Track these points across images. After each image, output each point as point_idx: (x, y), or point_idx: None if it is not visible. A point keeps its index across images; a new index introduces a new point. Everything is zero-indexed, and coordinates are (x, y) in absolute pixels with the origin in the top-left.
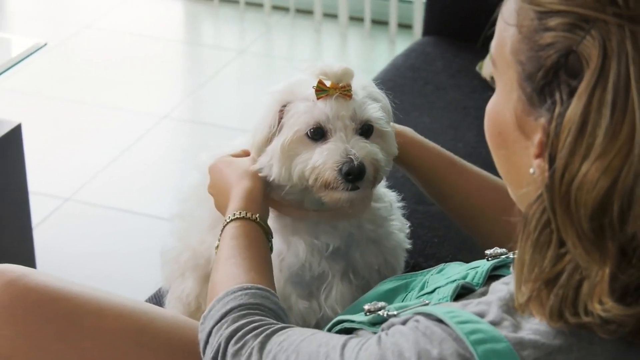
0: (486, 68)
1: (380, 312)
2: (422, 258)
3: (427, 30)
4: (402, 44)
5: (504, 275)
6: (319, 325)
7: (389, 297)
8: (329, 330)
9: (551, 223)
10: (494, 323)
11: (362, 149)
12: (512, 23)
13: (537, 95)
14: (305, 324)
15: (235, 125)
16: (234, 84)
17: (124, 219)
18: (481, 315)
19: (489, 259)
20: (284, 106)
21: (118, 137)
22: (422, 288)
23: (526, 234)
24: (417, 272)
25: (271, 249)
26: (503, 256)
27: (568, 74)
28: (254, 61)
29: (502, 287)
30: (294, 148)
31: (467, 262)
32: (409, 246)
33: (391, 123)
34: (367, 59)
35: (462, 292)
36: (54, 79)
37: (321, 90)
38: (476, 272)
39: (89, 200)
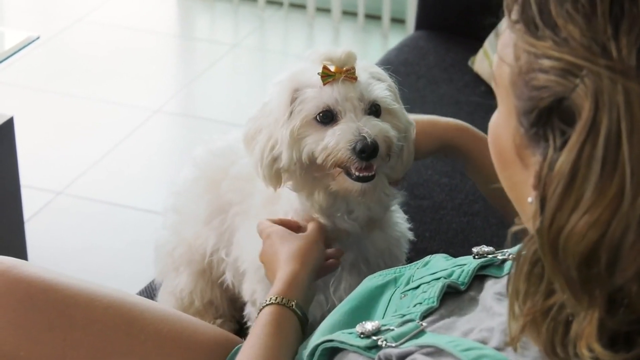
0: (478, 63)
1: (376, 339)
2: (413, 252)
3: (420, 24)
4: (395, 39)
5: (490, 276)
6: (324, 317)
7: (378, 294)
8: (317, 346)
9: (542, 260)
10: (499, 348)
11: (374, 127)
12: (508, 61)
13: (533, 134)
14: (310, 316)
15: (228, 119)
16: (227, 78)
17: (116, 213)
18: (484, 342)
19: (476, 257)
20: (294, 94)
21: (110, 131)
22: (407, 283)
23: (521, 265)
24: (404, 266)
25: (304, 332)
26: (490, 255)
27: (561, 120)
28: (247, 55)
29: (502, 310)
30: (303, 132)
31: (459, 256)
32: (412, 237)
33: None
34: (360, 53)
35: (448, 291)
36: (47, 73)
37: (327, 76)
38: (462, 271)
39: (81, 194)
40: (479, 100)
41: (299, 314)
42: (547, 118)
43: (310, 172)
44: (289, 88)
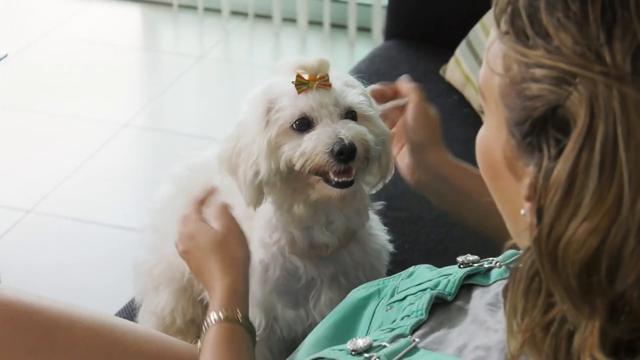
0: (450, 72)
1: (369, 356)
2: (392, 264)
3: (390, 34)
4: (361, 47)
5: (477, 285)
6: (305, 333)
7: (362, 306)
8: None
9: (539, 273)
10: None
11: (351, 129)
12: (499, 71)
13: (526, 145)
14: (291, 332)
15: (198, 132)
16: (194, 90)
17: (87, 230)
18: None
19: (461, 266)
20: (268, 106)
21: (79, 147)
22: (392, 294)
23: (517, 280)
24: (388, 278)
25: (254, 342)
26: (476, 264)
27: (556, 129)
28: (213, 67)
29: (497, 326)
30: (279, 141)
31: (439, 267)
32: (392, 249)
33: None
34: None
35: (435, 302)
36: (13, 89)
37: (301, 84)
38: (448, 281)
39: (51, 211)
40: (452, 109)
41: (247, 326)
42: (541, 128)
43: (289, 184)
44: (263, 101)
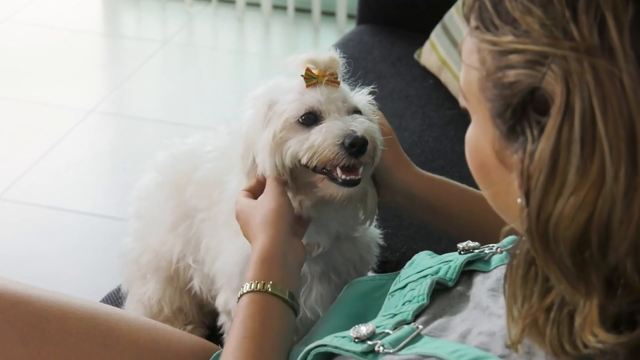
0: (425, 56)
1: (372, 344)
2: (377, 249)
3: (362, 18)
4: (326, 32)
5: (478, 271)
6: (297, 328)
7: (368, 299)
8: (309, 352)
9: (535, 260)
10: (504, 356)
11: (362, 123)
12: (475, 65)
13: (510, 133)
14: None
15: (162, 117)
16: (159, 76)
17: (55, 217)
18: (486, 349)
19: (462, 252)
20: (270, 106)
21: (45, 133)
22: (395, 283)
23: (515, 267)
24: (393, 274)
25: (296, 314)
26: (476, 250)
27: (536, 111)
28: (178, 52)
29: (500, 311)
30: (284, 135)
31: (422, 250)
32: (382, 242)
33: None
34: (291, 47)
35: (437, 288)
36: None
37: (310, 78)
38: (449, 267)
39: (19, 198)
40: (428, 93)
41: (278, 295)
42: (522, 113)
43: (294, 182)
44: (265, 101)
